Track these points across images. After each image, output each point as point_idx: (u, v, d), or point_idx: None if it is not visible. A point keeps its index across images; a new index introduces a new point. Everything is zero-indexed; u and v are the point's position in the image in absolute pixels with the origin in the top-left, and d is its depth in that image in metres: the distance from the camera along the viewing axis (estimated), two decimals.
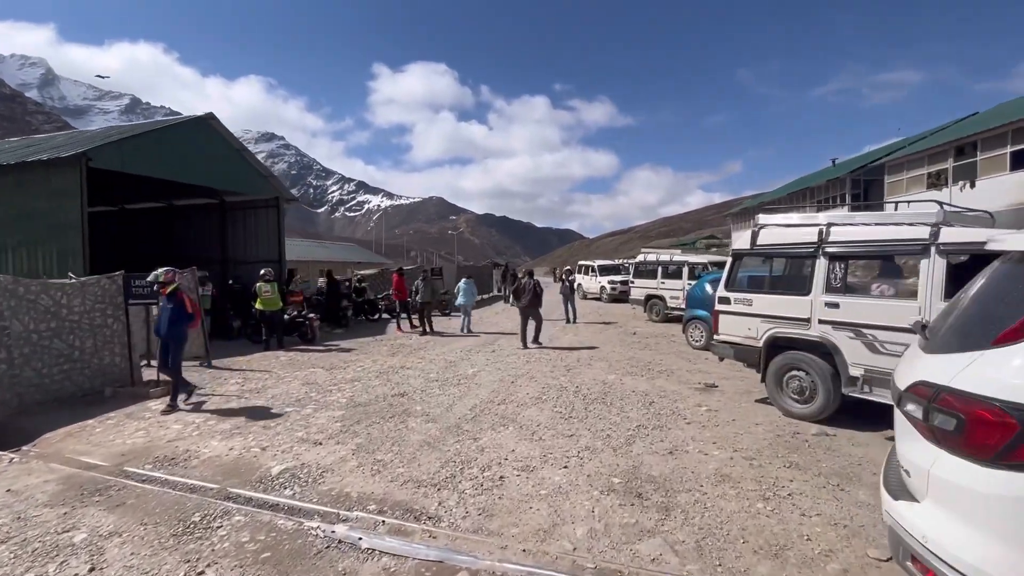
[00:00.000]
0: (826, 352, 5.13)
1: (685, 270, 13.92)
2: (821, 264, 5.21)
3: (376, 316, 16.70)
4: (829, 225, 5.23)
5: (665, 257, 14.71)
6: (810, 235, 5.35)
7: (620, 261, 25.98)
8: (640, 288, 15.52)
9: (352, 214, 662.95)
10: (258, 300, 11.48)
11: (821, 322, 5.15)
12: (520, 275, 24.62)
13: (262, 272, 11.93)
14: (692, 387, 7.22)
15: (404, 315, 14.32)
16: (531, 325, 10.65)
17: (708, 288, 10.04)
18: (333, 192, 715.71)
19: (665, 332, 12.99)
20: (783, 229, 5.74)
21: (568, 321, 14.56)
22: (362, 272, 19.53)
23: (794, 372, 5.42)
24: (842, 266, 5.07)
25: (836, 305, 5.02)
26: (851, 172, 21.67)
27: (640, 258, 15.77)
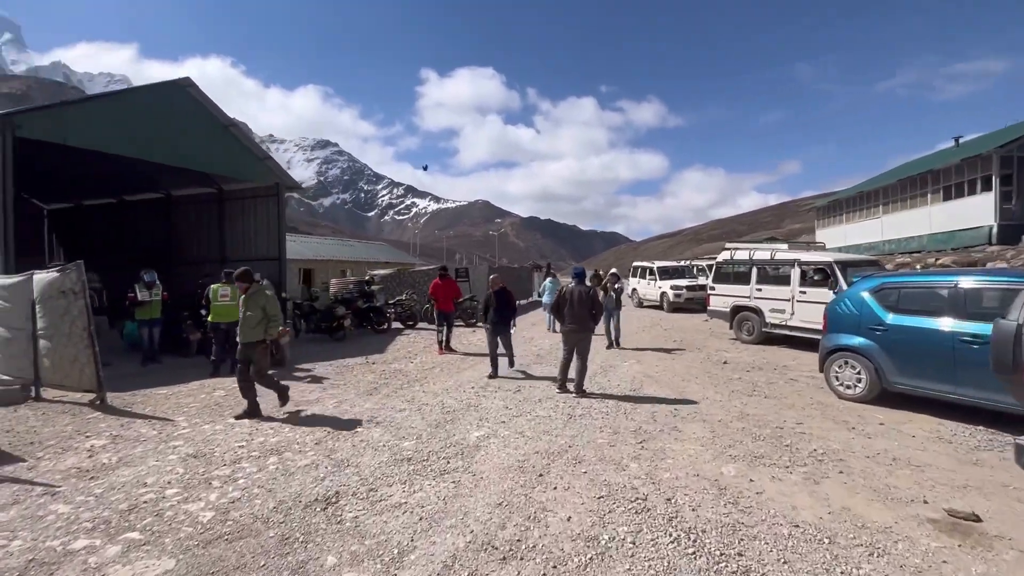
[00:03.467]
0: None
1: (795, 272, 9.89)
2: None
3: (384, 326, 13.58)
4: None
5: (763, 255, 10.71)
6: None
7: (686, 262, 21.82)
8: (723, 296, 11.57)
9: (400, 217, 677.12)
10: (212, 308, 8.54)
11: None
12: (544, 273, 20.74)
13: (225, 271, 8.98)
14: (922, 516, 3.42)
15: (443, 329, 10.49)
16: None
17: (868, 299, 6.13)
18: (383, 196, 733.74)
19: (771, 360, 9.04)
20: None
21: (610, 344, 10.60)
22: (375, 272, 16.54)
23: None
24: None
25: None
26: (999, 148, 16.68)
27: (723, 256, 11.82)
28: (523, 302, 23.59)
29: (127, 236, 18.86)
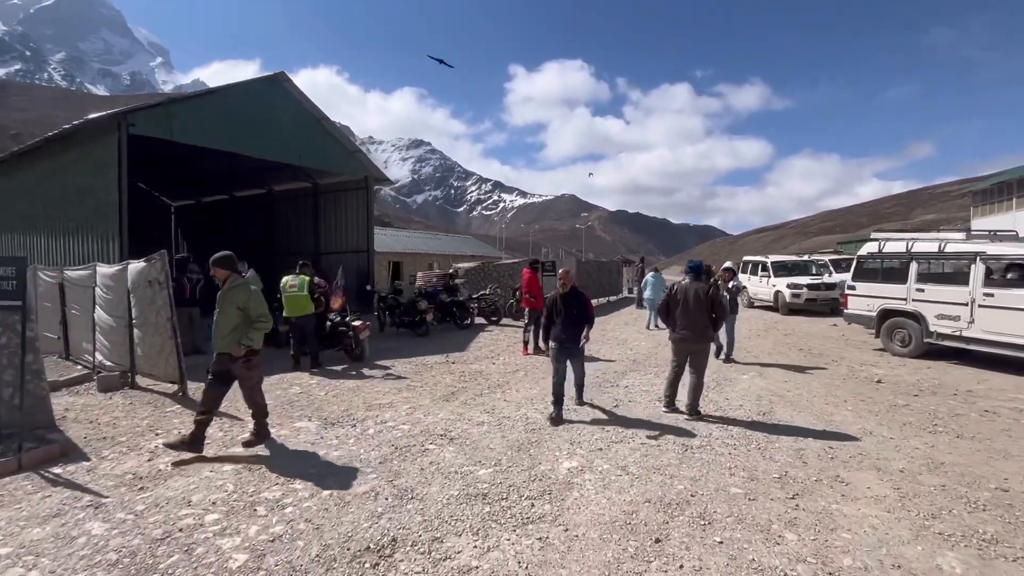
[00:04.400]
0: None
1: (978, 269, 7.69)
2: None
3: (467, 321, 13.01)
4: None
5: (927, 246, 8.51)
6: None
7: (806, 256, 19.04)
8: (867, 297, 9.47)
9: (488, 212, 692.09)
10: (283, 299, 8.37)
11: None
12: (637, 268, 18.83)
13: (300, 263, 8.82)
14: None
15: (531, 327, 9.44)
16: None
17: None
18: (472, 192, 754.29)
19: (943, 381, 7.06)
20: None
21: (719, 354, 8.57)
22: (459, 265, 16.12)
23: None
24: None
25: None
26: None
27: (868, 248, 9.69)
28: (613, 299, 22.16)
29: (237, 230, 20.23)
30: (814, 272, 16.71)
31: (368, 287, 13.65)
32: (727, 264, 9.77)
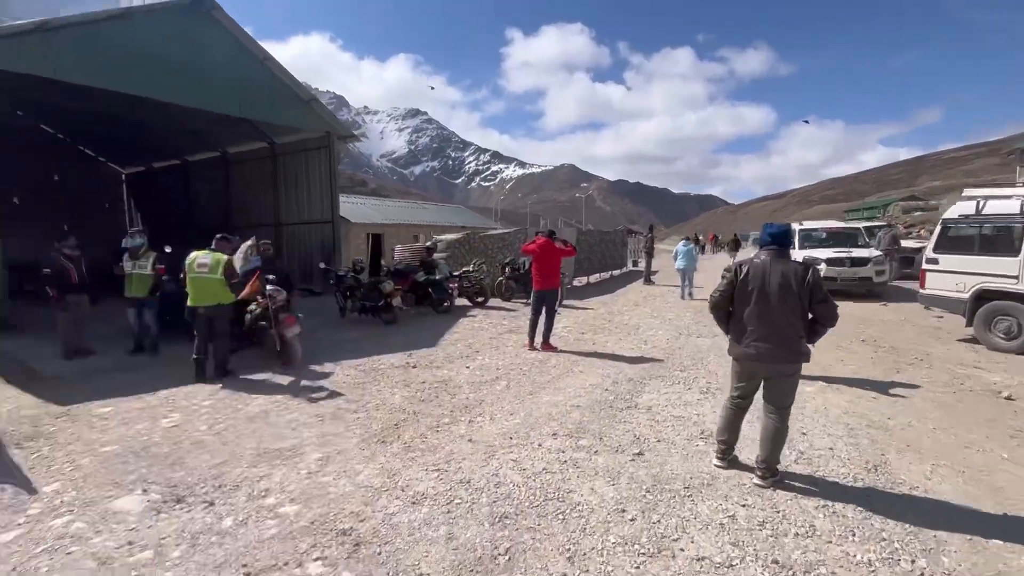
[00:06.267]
0: None
1: None
2: None
3: (446, 304, 10.84)
4: None
5: None
6: None
7: (853, 224, 16.50)
8: (954, 274, 7.27)
9: (487, 184, 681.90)
10: (188, 283, 6.17)
11: None
12: (647, 239, 16.33)
13: (218, 236, 6.55)
14: None
15: (538, 313, 7.36)
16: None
17: None
18: (470, 163, 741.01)
19: None
20: None
21: None
22: (440, 237, 13.83)
23: None
24: None
25: None
26: None
27: (958, 211, 7.43)
28: (616, 273, 19.98)
29: (191, 199, 17.88)
30: (859, 244, 13.51)
31: (321, 265, 11.42)
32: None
